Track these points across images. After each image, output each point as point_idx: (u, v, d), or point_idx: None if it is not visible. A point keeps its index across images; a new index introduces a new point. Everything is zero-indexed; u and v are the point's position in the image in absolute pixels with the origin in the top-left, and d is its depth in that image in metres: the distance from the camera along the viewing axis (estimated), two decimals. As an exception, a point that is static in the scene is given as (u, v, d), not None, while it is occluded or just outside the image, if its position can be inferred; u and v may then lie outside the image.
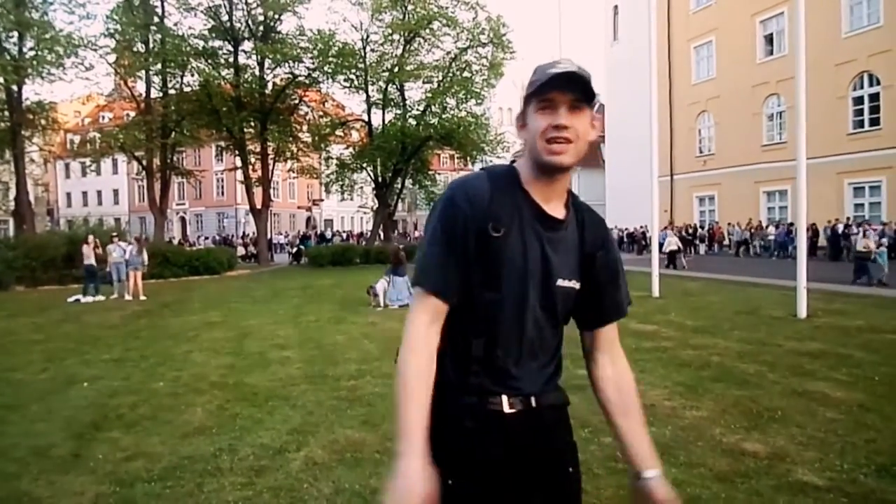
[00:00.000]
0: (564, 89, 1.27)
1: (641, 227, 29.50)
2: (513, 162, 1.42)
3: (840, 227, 23.13)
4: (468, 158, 32.11)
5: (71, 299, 13.87)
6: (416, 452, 1.19)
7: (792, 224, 24.06)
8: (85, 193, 63.72)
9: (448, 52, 28.95)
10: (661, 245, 25.31)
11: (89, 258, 14.62)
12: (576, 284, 1.38)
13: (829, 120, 23.58)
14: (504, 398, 1.33)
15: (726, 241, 30.08)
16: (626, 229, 36.19)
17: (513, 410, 1.33)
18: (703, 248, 30.19)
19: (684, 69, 33.47)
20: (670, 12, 33.82)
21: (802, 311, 9.14)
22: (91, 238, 15.30)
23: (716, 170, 31.81)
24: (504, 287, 1.31)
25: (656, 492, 1.35)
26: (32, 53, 23.75)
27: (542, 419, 1.37)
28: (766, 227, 27.51)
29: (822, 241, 23.99)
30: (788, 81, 25.03)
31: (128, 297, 14.50)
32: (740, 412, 4.52)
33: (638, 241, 30.57)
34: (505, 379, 1.33)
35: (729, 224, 29.64)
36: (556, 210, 1.37)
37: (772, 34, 28.83)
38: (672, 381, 5.52)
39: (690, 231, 29.93)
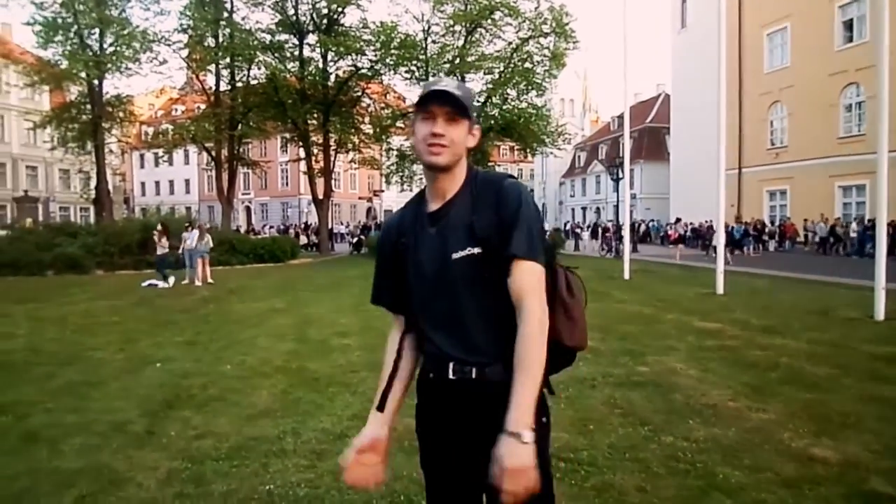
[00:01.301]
0: (440, 103, 1.53)
1: (707, 221, 28.39)
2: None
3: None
4: (528, 150, 31.85)
5: (145, 284, 14.56)
6: (373, 416, 1.73)
7: (872, 220, 22.83)
8: (158, 183, 66.68)
9: (509, 43, 28.67)
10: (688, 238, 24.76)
11: (164, 246, 15.29)
12: (474, 249, 1.53)
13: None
14: (450, 365, 1.57)
15: (800, 238, 28.70)
16: (692, 223, 35.17)
17: (455, 377, 1.57)
18: (772, 245, 28.96)
19: (756, 57, 32.09)
20: (742, -2, 32.48)
21: (880, 313, 8.67)
22: (159, 227, 16.00)
23: (788, 163, 30.42)
24: (413, 277, 1.62)
25: (496, 450, 1.37)
26: (112, 49, 24.95)
27: (487, 390, 1.53)
28: (847, 224, 26.05)
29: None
30: (869, 70, 23.72)
31: (197, 283, 15.15)
32: (810, 416, 4.34)
33: (703, 237, 29.30)
34: (447, 349, 1.58)
35: (806, 220, 28.17)
36: (439, 203, 1.62)
37: (852, 20, 27.27)
38: (737, 381, 5.35)
39: (758, 226, 28.78)
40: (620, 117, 28.23)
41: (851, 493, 3.12)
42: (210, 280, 15.35)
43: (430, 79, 28.08)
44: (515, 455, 1.35)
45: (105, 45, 25.05)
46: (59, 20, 24.07)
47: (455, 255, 1.54)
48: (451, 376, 1.57)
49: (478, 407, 1.54)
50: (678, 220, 28.70)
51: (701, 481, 3.28)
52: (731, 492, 3.15)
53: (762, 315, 9.19)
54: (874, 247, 9.84)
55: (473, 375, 1.55)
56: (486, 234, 1.52)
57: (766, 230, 29.71)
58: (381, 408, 1.69)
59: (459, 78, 28.76)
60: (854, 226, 25.16)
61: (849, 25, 27.42)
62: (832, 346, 6.82)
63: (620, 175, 24.52)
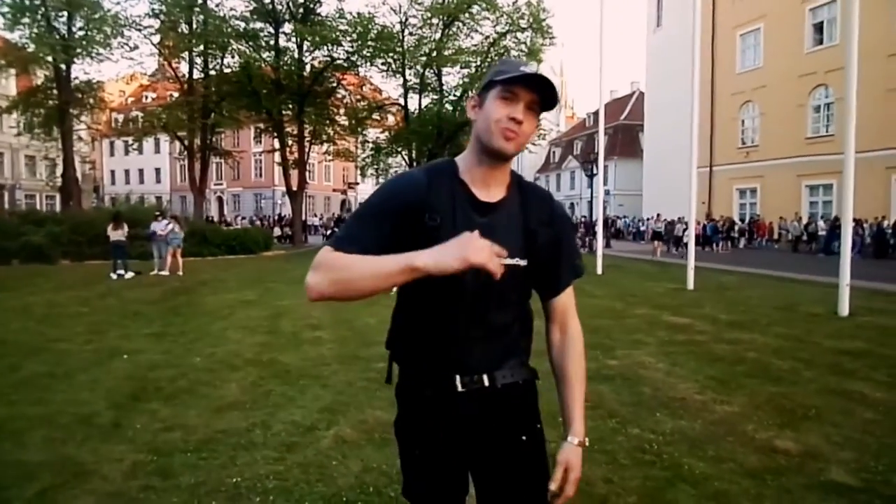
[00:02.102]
0: (531, 88, 1.36)
1: (663, 219, 28.47)
2: (454, 156, 1.50)
3: (886, 224, 22.38)
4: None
5: (114, 275, 14.27)
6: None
7: (837, 219, 23.41)
8: (128, 171, 65.50)
9: (487, 37, 28.73)
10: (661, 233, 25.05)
11: (120, 236, 14.77)
12: (520, 262, 1.43)
13: (878, 113, 22.72)
14: (457, 378, 1.43)
15: (775, 236, 29.17)
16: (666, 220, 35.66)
17: (464, 389, 1.43)
18: (742, 242, 29.41)
19: (728, 57, 32.58)
20: (716, -1, 32.94)
21: (844, 309, 8.90)
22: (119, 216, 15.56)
23: (758, 162, 31.00)
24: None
25: (561, 455, 1.44)
26: (81, 33, 24.34)
27: (497, 396, 1.46)
28: (814, 222, 26.61)
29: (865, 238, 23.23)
30: (838, 72, 24.25)
31: (165, 273, 14.91)
32: (774, 409, 4.44)
33: (669, 233, 28.54)
34: (454, 359, 1.44)
35: (782, 219, 28.64)
36: (495, 195, 1.45)
37: (822, 22, 27.85)
38: (704, 374, 5.45)
39: (727, 224, 29.22)
40: (595, 114, 28.48)
41: (812, 483, 3.21)
42: (180, 271, 15.11)
43: (408, 70, 28.00)
44: (580, 463, 1.45)
45: (74, 29, 24.40)
46: (27, 2, 23.40)
47: (503, 262, 1.34)
48: (459, 389, 1.43)
49: (485, 414, 1.46)
50: (658, 215, 28.89)
51: (667, 472, 3.34)
52: (695, 482, 3.21)
53: (730, 310, 9.37)
54: (840, 245, 10.08)
55: (486, 383, 1.45)
56: (540, 249, 1.46)
57: (737, 227, 30.21)
58: None
59: (436, 71, 28.76)
60: (822, 224, 25.76)
61: (819, 28, 27.99)
62: (797, 341, 6.99)
63: (595, 171, 24.72)
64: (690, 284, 12.21)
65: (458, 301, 1.40)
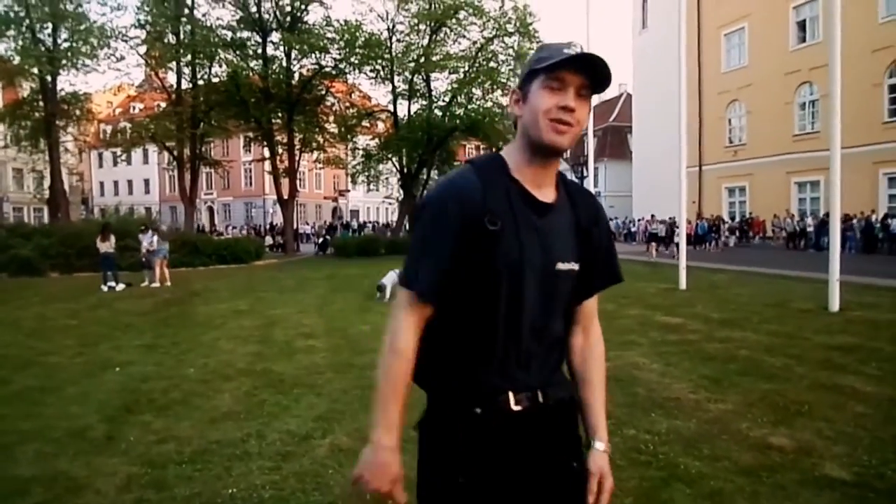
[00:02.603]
0: (579, 71, 1.25)
1: (658, 220, 28.55)
2: (498, 150, 1.41)
3: (874, 219, 22.57)
4: (494, 149, 31.98)
5: (104, 287, 14.18)
6: (395, 447, 1.28)
7: (826, 215, 23.59)
8: (117, 183, 65.06)
9: (474, 42, 28.80)
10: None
11: (108, 247, 14.70)
12: (575, 266, 1.35)
13: (864, 108, 22.97)
14: (510, 395, 1.31)
15: (769, 233, 29.25)
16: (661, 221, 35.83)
17: (520, 408, 1.31)
18: (732, 240, 29.46)
19: (714, 57, 32.86)
20: (701, -1, 33.21)
21: (834, 305, 8.96)
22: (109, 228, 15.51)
23: (746, 160, 31.23)
24: (501, 281, 1.27)
25: (592, 462, 1.39)
26: (67, 45, 24.24)
27: (550, 414, 1.36)
28: (803, 218, 26.78)
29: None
30: (822, 69, 24.42)
31: (156, 284, 14.85)
32: (767, 406, 4.47)
33: (671, 236, 28.21)
34: (509, 375, 1.31)
35: (776, 216, 28.72)
36: (548, 194, 1.35)
37: (805, 20, 28.14)
38: (697, 374, 5.47)
39: (717, 222, 29.34)
40: (584, 116, 28.60)
41: (806, 478, 3.23)
42: (167, 282, 15.03)
43: (396, 77, 28.01)
44: (610, 470, 1.40)
45: (59, 41, 24.31)
46: (11, 14, 23.28)
47: (560, 266, 1.32)
48: (513, 407, 1.30)
49: (538, 433, 1.34)
50: (653, 216, 28.95)
51: (662, 472, 3.35)
52: (690, 481, 3.22)
53: (722, 309, 9.42)
54: (829, 241, 10.16)
55: (541, 400, 1.33)
56: (589, 253, 1.38)
57: (727, 226, 30.28)
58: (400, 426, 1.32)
59: (424, 78, 28.80)
60: (810, 220, 25.96)
61: (802, 26, 28.28)
62: (788, 338, 7.03)
63: (585, 173, 24.84)
64: (682, 284, 12.26)
65: (520, 305, 1.29)
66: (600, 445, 1.40)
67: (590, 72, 1.25)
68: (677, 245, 15.02)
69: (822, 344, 6.66)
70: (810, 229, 25.57)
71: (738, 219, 31.63)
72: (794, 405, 4.45)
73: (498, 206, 1.27)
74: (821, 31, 26.38)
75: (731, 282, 13.62)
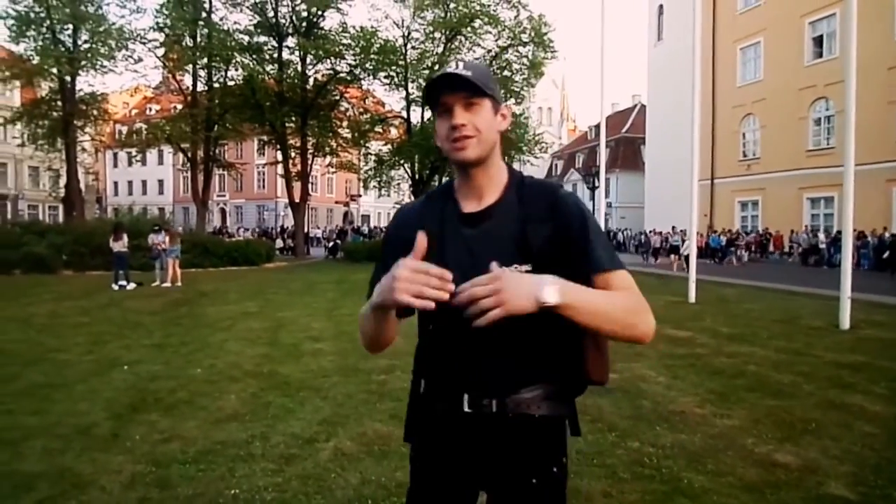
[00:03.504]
0: (450, 91, 1.31)
1: (650, 230, 28.08)
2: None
3: (886, 236, 22.34)
4: (505, 158, 31.95)
5: (115, 286, 14.31)
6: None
7: (839, 232, 23.40)
8: (131, 183, 65.71)
9: (489, 51, 28.87)
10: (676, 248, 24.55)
11: (121, 247, 14.85)
12: (521, 267, 1.28)
13: (878, 125, 22.78)
14: (465, 396, 1.36)
15: (786, 249, 28.86)
16: (662, 233, 35.64)
17: (471, 410, 1.35)
18: (746, 255, 28.91)
19: (729, 71, 32.74)
20: (716, 13, 33.12)
21: (845, 322, 8.88)
22: (122, 227, 15.68)
23: (760, 174, 31.04)
24: None
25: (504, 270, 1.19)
26: (86, 46, 24.55)
27: (508, 425, 1.34)
28: (816, 234, 26.48)
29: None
30: (838, 85, 24.29)
31: (167, 284, 14.96)
32: (773, 423, 4.43)
33: (676, 249, 27.66)
34: (463, 378, 1.36)
35: (793, 231, 28.25)
36: (486, 203, 1.39)
37: (821, 36, 27.98)
38: (704, 388, 5.44)
39: (734, 236, 29.06)
40: (597, 127, 28.60)
41: (810, 497, 3.20)
42: (179, 282, 15.15)
43: (410, 84, 28.21)
44: (518, 284, 1.17)
45: (79, 42, 24.63)
46: (32, 14, 23.62)
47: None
48: (465, 409, 1.35)
49: (495, 443, 1.36)
50: (673, 228, 28.54)
51: (665, 486, 3.33)
52: (694, 496, 3.20)
53: (731, 324, 9.36)
54: (841, 258, 10.07)
55: (494, 409, 1.34)
56: (542, 251, 1.31)
57: (744, 241, 29.80)
58: None
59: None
60: (822, 237, 25.72)
61: (819, 41, 28.12)
62: (797, 355, 6.98)
63: (596, 184, 24.72)
64: (692, 297, 12.20)
65: (455, 310, 1.19)
66: (546, 279, 1.20)
67: (461, 85, 1.30)
68: (687, 258, 14.95)
69: (831, 361, 6.60)
70: (822, 245, 25.31)
71: (752, 233, 31.26)
72: (800, 423, 4.42)
73: (431, 224, 1.37)
74: (837, 47, 26.24)
75: (742, 296, 13.53)
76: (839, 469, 3.56)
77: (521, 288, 1.16)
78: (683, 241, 26.20)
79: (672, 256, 23.70)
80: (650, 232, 35.78)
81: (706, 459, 3.71)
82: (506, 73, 28.61)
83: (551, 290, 1.17)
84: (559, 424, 1.41)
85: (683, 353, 7.08)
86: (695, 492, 3.25)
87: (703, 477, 3.44)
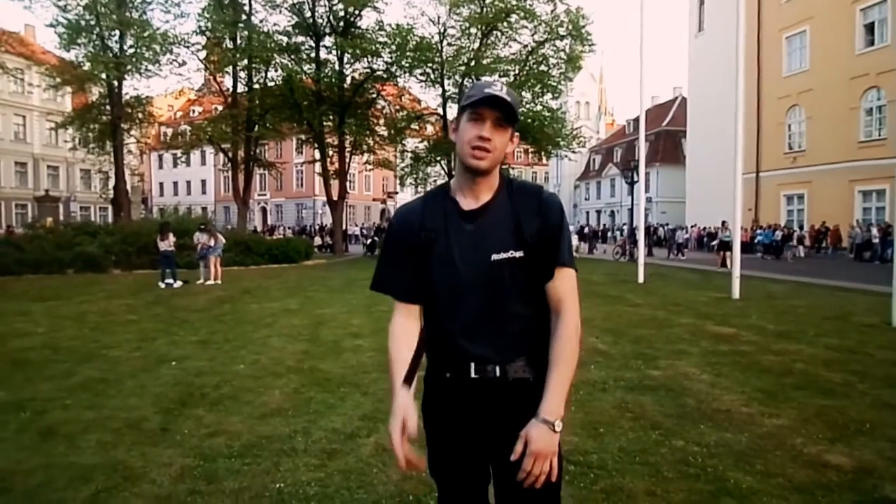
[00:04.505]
0: (493, 108, 1.54)
1: (692, 225, 27.32)
2: (450, 179, 1.73)
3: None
4: (543, 153, 31.78)
5: (162, 284, 14.71)
6: (405, 392, 1.62)
7: (891, 226, 22.50)
8: (176, 183, 67.43)
9: (525, 46, 28.67)
10: (723, 243, 23.79)
11: (169, 245, 15.25)
12: (516, 253, 1.58)
13: (936, 114, 21.85)
14: (472, 364, 1.59)
15: (844, 244, 27.44)
16: (707, 228, 34.87)
17: (478, 376, 1.59)
18: (801, 250, 27.80)
19: (774, 61, 31.80)
20: (761, 1, 32.20)
21: (899, 320, 8.56)
22: (169, 227, 16.10)
23: (806, 167, 30.08)
24: (439, 276, 1.61)
25: (525, 429, 1.51)
26: (132, 51, 25.27)
27: (508, 389, 1.59)
28: (869, 228, 25.37)
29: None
30: (890, 74, 23.41)
31: (210, 282, 15.31)
32: (824, 422, 4.29)
33: (726, 244, 26.66)
34: (470, 348, 1.59)
35: (851, 227, 26.79)
36: (481, 202, 1.63)
37: (873, 23, 26.91)
38: (751, 386, 5.30)
39: (783, 230, 28.15)
40: (636, 120, 28.12)
41: (864, 500, 3.09)
42: (219, 280, 15.47)
43: (446, 80, 28.20)
44: (544, 440, 1.48)
45: (125, 47, 25.37)
46: (82, 22, 24.42)
47: (496, 257, 1.58)
48: (472, 375, 1.59)
49: (498, 404, 1.59)
50: (723, 223, 27.96)
51: (711, 486, 3.26)
52: (741, 497, 3.13)
53: (778, 321, 9.10)
54: (893, 252, 9.68)
55: (497, 374, 1.58)
56: (532, 240, 1.59)
57: (796, 235, 28.85)
58: (409, 380, 1.65)
59: (474, 79, 28.80)
60: (875, 231, 24.72)
61: (870, 28, 27.07)
62: (848, 353, 6.74)
63: (635, 178, 24.30)
64: (735, 293, 11.90)
65: (461, 292, 1.59)
66: (539, 417, 1.50)
67: (502, 108, 1.54)
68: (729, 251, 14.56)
69: (884, 360, 6.36)
70: (875, 240, 24.34)
71: (802, 227, 30.11)
72: (853, 423, 4.27)
73: (433, 223, 1.64)
74: (889, 34, 25.24)
75: (788, 293, 13.14)
76: (895, 471, 3.43)
77: (546, 442, 1.49)
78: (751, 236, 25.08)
79: (721, 253, 22.77)
80: (679, 228, 35.13)
81: (754, 459, 3.62)
82: (542, 67, 28.38)
83: (557, 424, 1.50)
84: (541, 386, 1.58)
85: (728, 350, 6.92)
86: (742, 492, 3.18)
87: (751, 477, 3.36)
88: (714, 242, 23.71)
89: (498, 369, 1.58)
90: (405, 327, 1.70)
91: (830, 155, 28.31)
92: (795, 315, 9.70)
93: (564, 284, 1.61)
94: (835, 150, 28.05)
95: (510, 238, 1.59)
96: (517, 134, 1.68)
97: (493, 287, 1.58)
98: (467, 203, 1.63)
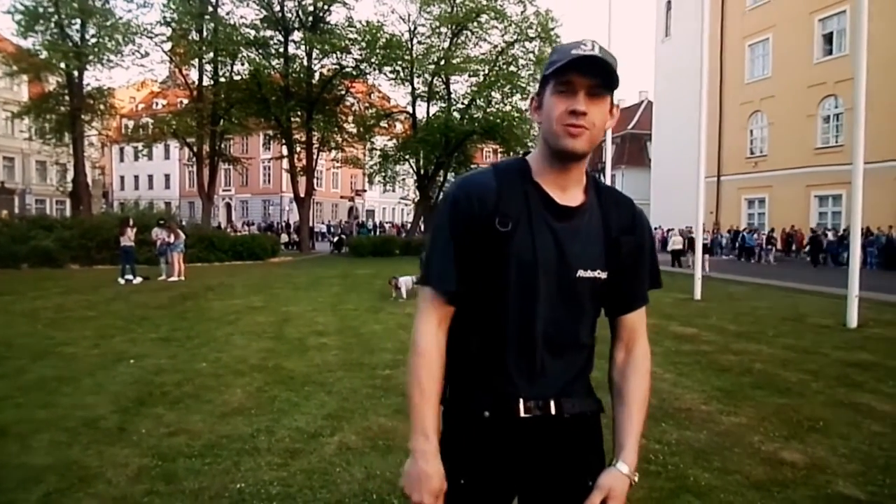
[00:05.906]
0: (585, 73, 1.20)
1: (655, 227, 27.88)
2: (525, 154, 1.38)
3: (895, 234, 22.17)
4: (511, 153, 31.96)
5: (122, 280, 14.35)
6: (434, 451, 1.24)
7: (846, 230, 23.22)
8: (137, 177, 65.76)
9: (495, 46, 28.84)
10: (664, 243, 24.21)
11: (128, 240, 14.96)
12: (601, 274, 1.30)
13: (889, 123, 22.59)
14: (521, 402, 1.28)
15: (805, 247, 27.95)
16: (671, 230, 35.40)
17: (529, 415, 1.28)
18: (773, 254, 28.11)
19: (737, 67, 32.54)
20: (725, 9, 32.90)
21: (853, 321, 8.83)
22: (129, 221, 15.76)
23: (767, 172, 30.86)
24: (511, 282, 1.26)
25: (603, 478, 1.26)
26: (94, 40, 24.60)
27: (566, 427, 1.31)
28: (825, 232, 26.13)
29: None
30: (847, 82, 24.07)
31: (172, 279, 15.01)
32: (780, 420, 4.41)
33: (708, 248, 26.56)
34: (521, 381, 1.28)
35: (812, 230, 27.02)
36: (573, 199, 1.31)
37: (831, 33, 27.76)
38: (711, 385, 5.42)
39: (768, 235, 28.68)
40: (603, 123, 28.43)
41: (818, 495, 3.18)
42: (182, 276, 15.18)
43: (416, 79, 28.09)
44: (624, 492, 1.26)
45: (87, 36, 24.67)
46: (41, 9, 23.68)
47: (582, 273, 1.28)
48: (522, 414, 1.28)
49: (548, 443, 1.31)
50: (670, 230, 28.41)
51: (672, 483, 3.31)
52: (700, 493, 3.19)
53: (738, 321, 9.32)
54: (848, 256, 10.01)
55: (552, 411, 1.29)
56: (626, 261, 1.33)
57: (765, 237, 29.29)
58: (436, 423, 1.28)
59: (444, 80, 28.83)
60: (830, 235, 25.48)
61: (829, 39, 27.91)
62: (805, 353, 6.94)
63: (602, 180, 24.52)
64: (698, 294, 12.15)
65: (531, 308, 1.26)
66: (622, 467, 1.27)
67: (597, 71, 1.21)
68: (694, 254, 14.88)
69: (838, 360, 6.56)
70: (826, 243, 25.00)
71: (765, 230, 30.68)
72: (808, 421, 4.39)
73: (512, 208, 1.26)
74: (847, 45, 26.03)
75: (749, 294, 13.47)
76: (847, 468, 3.54)
77: (623, 494, 1.25)
78: (712, 239, 25.45)
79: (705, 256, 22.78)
80: (658, 228, 35.64)
81: (713, 457, 3.69)
82: (512, 68, 28.55)
83: (636, 477, 1.28)
84: (599, 421, 1.39)
85: (689, 349, 7.06)
86: (701, 489, 3.24)
87: (710, 474, 3.43)
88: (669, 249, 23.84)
89: (554, 405, 1.29)
90: (440, 343, 1.30)
91: (790, 160, 29.10)
92: (755, 316, 9.95)
93: (642, 316, 1.39)
94: (794, 156, 28.85)
95: (601, 254, 1.30)
96: (617, 104, 1.32)
97: (570, 309, 1.29)
98: (558, 196, 1.30)
